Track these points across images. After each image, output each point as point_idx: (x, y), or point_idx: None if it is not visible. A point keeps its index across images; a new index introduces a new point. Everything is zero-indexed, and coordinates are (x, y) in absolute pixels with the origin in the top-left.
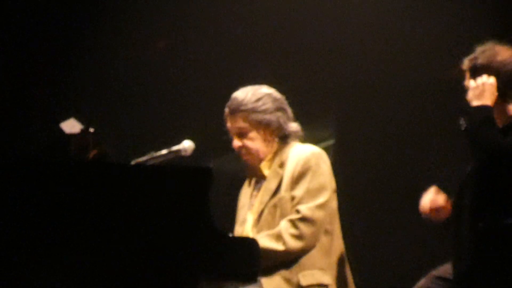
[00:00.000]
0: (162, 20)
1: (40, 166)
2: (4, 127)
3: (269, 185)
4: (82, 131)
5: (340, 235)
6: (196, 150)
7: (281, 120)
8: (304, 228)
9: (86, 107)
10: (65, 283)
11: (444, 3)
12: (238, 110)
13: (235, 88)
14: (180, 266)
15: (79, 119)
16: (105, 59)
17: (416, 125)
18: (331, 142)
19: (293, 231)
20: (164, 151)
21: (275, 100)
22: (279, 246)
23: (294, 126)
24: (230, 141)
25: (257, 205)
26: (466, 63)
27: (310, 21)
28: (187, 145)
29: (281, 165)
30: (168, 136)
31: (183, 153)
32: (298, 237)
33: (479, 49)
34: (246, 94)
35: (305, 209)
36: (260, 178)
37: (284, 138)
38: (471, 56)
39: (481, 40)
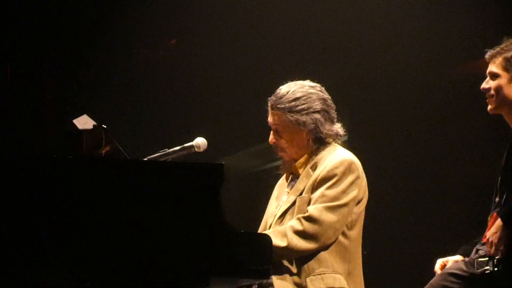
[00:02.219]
0: (175, 19)
1: (53, 163)
2: (17, 124)
3: (299, 185)
4: (95, 127)
5: (360, 243)
6: (208, 147)
7: (318, 122)
8: (308, 226)
9: (99, 103)
10: (78, 277)
11: (456, 3)
12: (276, 107)
13: (248, 86)
14: (192, 262)
15: (92, 115)
16: (118, 56)
17: (429, 122)
18: (344, 138)
19: (297, 228)
20: (177, 148)
21: (317, 99)
22: (282, 243)
23: (333, 129)
24: (241, 139)
25: (285, 203)
26: (493, 53)
27: (323, 22)
28: (200, 141)
29: (314, 166)
30: (181, 132)
31: (196, 150)
32: (301, 234)
33: (509, 41)
34: (287, 91)
35: (313, 209)
36: (296, 175)
37: (319, 140)
38: (502, 46)
39: (492, 39)
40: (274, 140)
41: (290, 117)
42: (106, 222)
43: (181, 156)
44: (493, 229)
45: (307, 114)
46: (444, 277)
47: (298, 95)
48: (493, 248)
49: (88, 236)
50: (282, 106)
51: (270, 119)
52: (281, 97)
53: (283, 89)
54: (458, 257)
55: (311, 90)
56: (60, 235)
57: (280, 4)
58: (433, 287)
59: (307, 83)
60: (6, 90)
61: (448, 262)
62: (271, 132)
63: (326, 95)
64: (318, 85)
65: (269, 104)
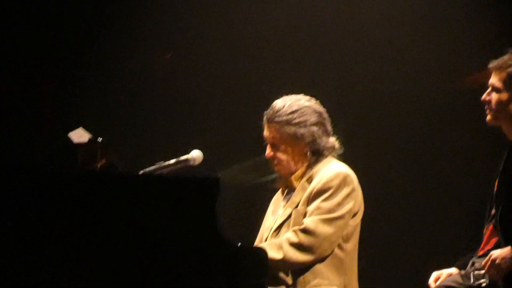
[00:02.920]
0: (171, 30)
1: (48, 176)
2: (13, 136)
3: (295, 198)
4: (90, 140)
5: (356, 255)
6: (204, 160)
7: (316, 135)
8: (304, 238)
9: (94, 117)
10: None
11: (458, 12)
12: (273, 120)
13: (244, 99)
14: (187, 275)
15: (87, 128)
16: (113, 69)
17: (427, 133)
18: (340, 151)
19: (293, 240)
20: (172, 161)
21: (313, 113)
22: (278, 255)
23: (330, 142)
24: (237, 152)
25: (281, 216)
26: (497, 64)
27: (319, 29)
28: (195, 154)
29: (310, 179)
30: (177, 145)
31: (191, 163)
32: (297, 246)
33: None
34: (283, 104)
35: (308, 221)
36: (291, 189)
37: (317, 153)
38: (506, 59)
39: (493, 50)
40: (271, 154)
41: (288, 130)
42: (99, 237)
43: (177, 169)
44: (505, 253)
45: (304, 126)
46: None
47: (294, 108)
48: (498, 276)
49: (79, 251)
50: (280, 119)
51: (266, 133)
52: (278, 110)
53: (279, 103)
54: (453, 270)
55: (307, 104)
56: (53, 248)
57: (276, 17)
58: None
59: (302, 96)
60: (5, 95)
61: (442, 275)
62: (268, 146)
63: (322, 109)
64: (313, 98)
65: (265, 118)
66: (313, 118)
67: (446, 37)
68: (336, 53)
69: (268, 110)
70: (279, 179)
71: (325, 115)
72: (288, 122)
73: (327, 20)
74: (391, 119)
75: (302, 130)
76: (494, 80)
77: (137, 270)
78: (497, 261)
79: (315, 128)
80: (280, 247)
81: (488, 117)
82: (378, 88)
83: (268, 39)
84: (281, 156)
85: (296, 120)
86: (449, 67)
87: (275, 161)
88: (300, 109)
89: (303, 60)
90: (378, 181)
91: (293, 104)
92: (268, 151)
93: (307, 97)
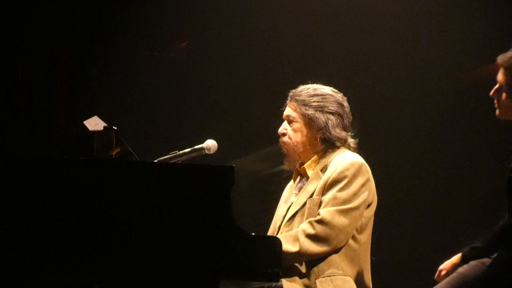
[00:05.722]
0: (186, 21)
1: (64, 164)
2: (29, 125)
3: (309, 187)
4: (105, 128)
5: (369, 247)
6: (219, 149)
7: (330, 123)
8: (320, 229)
9: (109, 105)
10: (87, 278)
11: (468, 8)
12: (293, 98)
13: (259, 89)
14: (202, 264)
15: (102, 116)
16: (130, 58)
17: (439, 126)
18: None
19: (309, 231)
20: (187, 150)
21: (334, 102)
22: (294, 248)
23: (343, 134)
24: (252, 142)
25: (294, 204)
26: (505, 61)
27: (335, 26)
28: (210, 143)
29: (324, 169)
30: (192, 134)
31: (206, 152)
32: (313, 238)
33: None
34: (309, 87)
35: (324, 212)
36: (304, 177)
37: (327, 141)
38: (509, 54)
39: (505, 42)
40: (284, 130)
41: (304, 110)
42: (115, 224)
43: (192, 158)
44: (450, 262)
45: (321, 112)
46: (451, 283)
47: (317, 92)
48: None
49: (97, 238)
50: (300, 98)
51: (285, 110)
52: (301, 90)
53: (307, 86)
54: (455, 258)
55: (331, 93)
56: (71, 237)
57: (293, 9)
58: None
59: (331, 87)
60: (17, 91)
61: (447, 265)
62: (284, 122)
63: (345, 103)
64: (342, 93)
65: (288, 97)
66: (332, 107)
67: (460, 31)
68: (350, 49)
69: (293, 90)
70: (285, 160)
71: (347, 109)
72: (306, 103)
73: (344, 14)
74: (405, 111)
75: (317, 114)
76: (501, 77)
77: (151, 258)
78: (442, 272)
79: (331, 117)
80: (296, 239)
81: (497, 112)
82: (392, 83)
83: (285, 31)
84: (292, 134)
85: (315, 104)
86: (465, 60)
87: (285, 138)
88: (323, 95)
89: (318, 52)
90: (391, 175)
91: (317, 88)
92: (282, 127)
93: (336, 90)
